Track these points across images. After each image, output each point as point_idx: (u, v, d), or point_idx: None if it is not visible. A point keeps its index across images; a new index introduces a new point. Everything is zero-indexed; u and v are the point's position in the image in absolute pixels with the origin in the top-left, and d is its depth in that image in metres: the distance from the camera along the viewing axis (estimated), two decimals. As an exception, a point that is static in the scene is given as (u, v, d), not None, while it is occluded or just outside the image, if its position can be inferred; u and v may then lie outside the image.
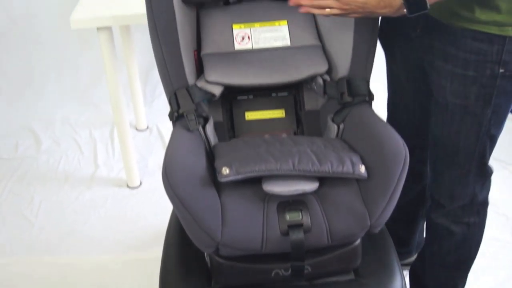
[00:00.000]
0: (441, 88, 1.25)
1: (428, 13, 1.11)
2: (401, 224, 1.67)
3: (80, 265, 1.88)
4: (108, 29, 1.87)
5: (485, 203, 1.42)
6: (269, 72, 1.30)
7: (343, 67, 1.30)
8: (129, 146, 2.15)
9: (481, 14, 1.12)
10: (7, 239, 2.01)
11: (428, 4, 1.05)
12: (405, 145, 1.12)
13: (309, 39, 1.36)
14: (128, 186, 2.24)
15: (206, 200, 1.06)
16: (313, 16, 1.40)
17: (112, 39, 1.91)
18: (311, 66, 1.30)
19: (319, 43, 1.37)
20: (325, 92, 1.32)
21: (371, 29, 1.27)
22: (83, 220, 2.09)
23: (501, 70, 1.16)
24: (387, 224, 1.16)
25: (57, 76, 2.90)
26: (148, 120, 2.66)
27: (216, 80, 1.27)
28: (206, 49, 1.33)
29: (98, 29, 1.85)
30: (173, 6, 1.23)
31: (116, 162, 2.40)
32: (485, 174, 1.36)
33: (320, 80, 1.32)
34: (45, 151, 2.52)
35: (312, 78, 1.33)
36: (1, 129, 2.69)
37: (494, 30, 1.13)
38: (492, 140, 1.30)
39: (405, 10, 1.06)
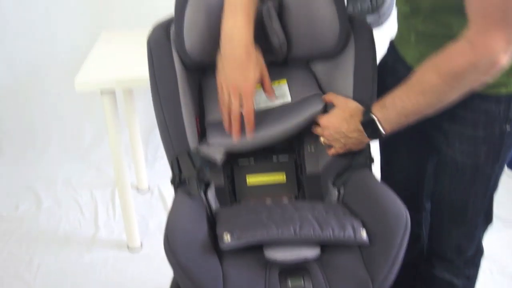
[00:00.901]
0: (449, 148, 1.27)
1: None
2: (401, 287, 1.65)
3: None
4: (112, 92, 1.90)
5: (483, 254, 1.45)
6: (270, 131, 1.31)
7: None
8: (130, 208, 2.15)
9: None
10: (4, 303, 1.98)
11: (383, 134, 1.16)
12: (406, 210, 1.12)
13: (309, 90, 1.38)
14: (128, 248, 2.22)
15: (207, 267, 1.05)
16: (312, 69, 1.43)
17: (115, 102, 1.93)
18: (308, 109, 1.32)
19: (319, 91, 1.38)
20: None
21: (370, 88, 1.30)
22: (82, 283, 2.06)
23: (507, 129, 1.19)
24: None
25: (59, 136, 2.93)
26: (150, 181, 2.67)
27: (218, 144, 1.29)
28: (209, 116, 1.35)
29: (102, 92, 1.88)
30: (175, 74, 1.26)
31: (117, 223, 2.39)
32: (489, 222, 1.38)
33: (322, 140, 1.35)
34: (45, 212, 2.51)
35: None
36: (2, 188, 2.69)
37: (502, 90, 1.15)
38: (496, 190, 1.32)
39: (365, 134, 1.19)
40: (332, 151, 1.32)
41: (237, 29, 1.18)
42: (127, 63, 1.96)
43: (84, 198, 2.60)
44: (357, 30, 1.34)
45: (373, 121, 1.15)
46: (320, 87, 1.40)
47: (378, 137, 1.17)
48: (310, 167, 1.39)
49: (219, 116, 1.33)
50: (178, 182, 1.23)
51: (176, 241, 1.04)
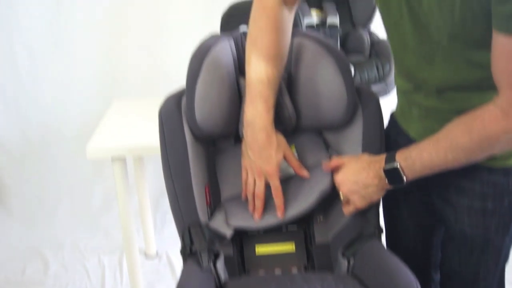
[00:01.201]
0: (457, 221, 1.26)
1: None
2: None
3: None
4: (122, 159, 1.92)
5: None
6: (291, 211, 1.30)
7: None
8: (138, 274, 2.13)
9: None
10: None
11: (405, 181, 1.15)
12: (417, 282, 1.11)
13: (318, 151, 1.40)
14: (135, 316, 2.19)
15: None
16: (321, 134, 1.45)
17: (126, 169, 1.95)
18: (318, 186, 1.31)
19: (326, 153, 1.40)
20: None
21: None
22: None
23: None
24: None
25: (68, 200, 2.94)
26: (158, 247, 2.65)
27: (237, 225, 1.30)
28: (225, 192, 1.37)
29: (113, 159, 1.90)
30: (186, 145, 1.28)
31: (124, 289, 2.37)
32: None
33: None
34: (52, 276, 2.49)
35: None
36: (10, 251, 2.68)
37: (509, 162, 1.15)
38: (507, 261, 1.30)
39: (386, 181, 1.18)
40: (350, 209, 1.28)
41: (257, 115, 1.23)
42: (138, 131, 2.00)
43: (91, 263, 2.58)
44: (364, 100, 1.36)
45: (396, 169, 1.15)
46: (327, 150, 1.42)
47: (400, 183, 1.16)
48: (320, 237, 1.39)
49: (235, 191, 1.36)
50: (188, 252, 1.23)
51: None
